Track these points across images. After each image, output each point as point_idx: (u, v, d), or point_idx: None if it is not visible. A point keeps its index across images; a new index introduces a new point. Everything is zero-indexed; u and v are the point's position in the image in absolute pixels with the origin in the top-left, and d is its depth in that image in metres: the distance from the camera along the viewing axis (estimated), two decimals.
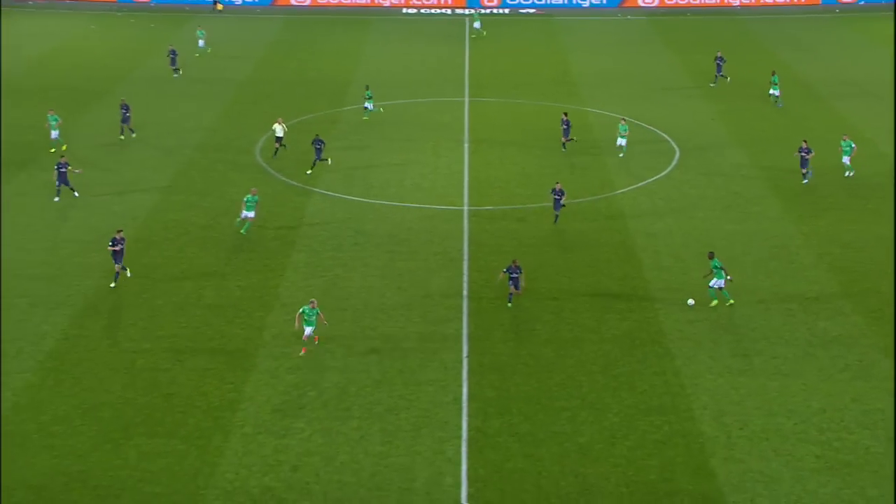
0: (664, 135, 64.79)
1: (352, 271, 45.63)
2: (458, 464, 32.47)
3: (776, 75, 71.27)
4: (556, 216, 50.38)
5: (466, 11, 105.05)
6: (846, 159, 56.39)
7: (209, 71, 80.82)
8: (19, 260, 46.63)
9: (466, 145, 63.10)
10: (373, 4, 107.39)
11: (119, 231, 44.09)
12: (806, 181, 55.28)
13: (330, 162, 57.41)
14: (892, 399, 35.81)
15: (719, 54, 76.57)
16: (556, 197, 50.05)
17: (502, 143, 63.22)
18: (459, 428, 34.31)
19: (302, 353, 38.22)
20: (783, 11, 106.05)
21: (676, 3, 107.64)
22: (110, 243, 43.70)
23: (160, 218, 51.67)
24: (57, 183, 53.08)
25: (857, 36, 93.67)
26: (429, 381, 37.17)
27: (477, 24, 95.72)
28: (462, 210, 52.56)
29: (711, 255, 42.70)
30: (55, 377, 37.39)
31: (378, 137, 64.20)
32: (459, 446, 33.32)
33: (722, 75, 76.11)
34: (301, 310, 38.44)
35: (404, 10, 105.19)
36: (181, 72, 78.27)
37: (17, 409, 35.22)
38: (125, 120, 63.69)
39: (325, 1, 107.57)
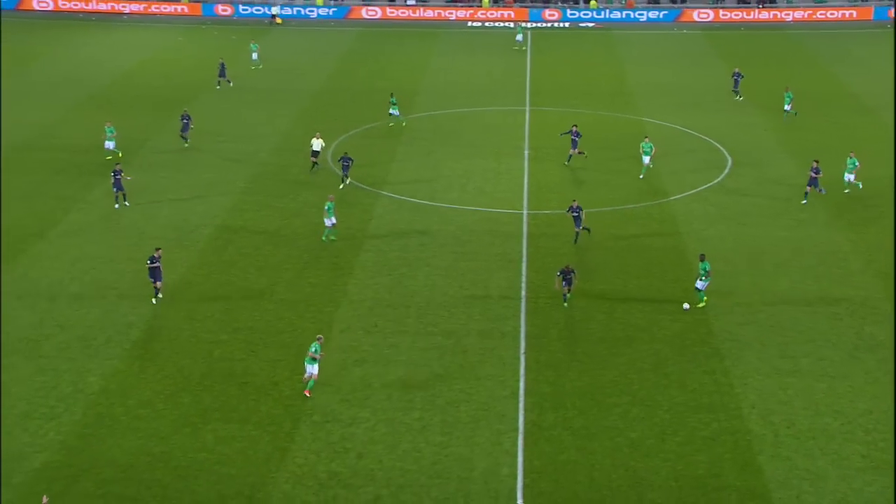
0: (717, 144, 64.30)
1: (416, 270, 45.82)
2: (515, 455, 32.57)
3: (790, 91, 69.87)
4: (577, 234, 48.56)
5: (529, 24, 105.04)
6: (850, 176, 54.78)
7: (284, 81, 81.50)
8: (107, 256, 47.39)
9: (526, 152, 63.08)
10: (440, 18, 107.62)
11: (157, 249, 42.62)
12: (805, 202, 53.38)
13: (349, 182, 55.93)
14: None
15: (737, 70, 75.94)
16: (574, 214, 48.34)
17: (561, 150, 63.01)
18: (516, 421, 34.41)
19: (307, 395, 35.75)
20: (836, 27, 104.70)
21: (731, 17, 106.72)
22: (149, 261, 42.15)
23: (237, 218, 52.19)
24: (114, 189, 52.99)
25: None
26: (487, 375, 37.28)
27: (519, 37, 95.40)
28: (521, 214, 52.57)
29: (702, 258, 42.34)
30: (140, 364, 38.01)
31: (443, 144, 64.37)
32: (516, 438, 33.42)
33: (736, 91, 75.41)
34: (312, 347, 36.13)
35: (469, 24, 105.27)
36: (231, 83, 78.26)
37: (107, 393, 35.90)
38: (185, 129, 63.89)
39: (394, 14, 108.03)
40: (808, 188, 53.37)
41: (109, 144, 60.44)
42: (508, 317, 41.74)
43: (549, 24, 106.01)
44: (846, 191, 54.57)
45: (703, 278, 41.90)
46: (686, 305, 41.66)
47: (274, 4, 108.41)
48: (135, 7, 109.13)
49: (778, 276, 45.43)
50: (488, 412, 34.94)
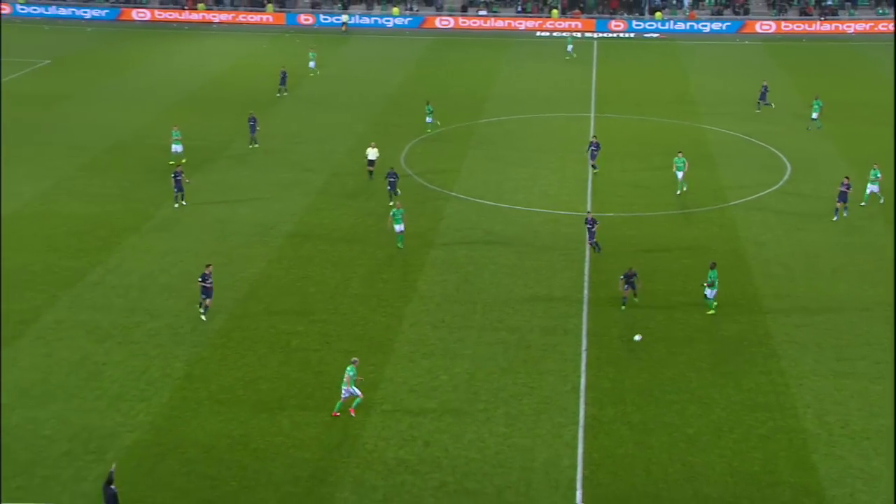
0: (777, 152, 63.44)
1: (483, 268, 45.79)
2: (575, 447, 32.46)
3: (819, 100, 68.58)
4: (596, 245, 47.09)
5: (595, 35, 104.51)
6: (874, 188, 53.14)
7: (360, 86, 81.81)
8: (193, 250, 48.04)
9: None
10: (509, 28, 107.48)
11: (208, 266, 41.07)
12: (836, 218, 51.13)
13: (399, 193, 53.26)
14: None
15: (765, 83, 74.46)
16: (589, 227, 47.11)
17: (623, 155, 62.69)
18: (577, 415, 34.28)
19: (352, 414, 34.03)
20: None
21: (792, 29, 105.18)
22: (200, 279, 40.70)
23: (314, 216, 52.59)
24: (175, 190, 53.18)
25: None
26: (550, 370, 37.17)
27: (569, 48, 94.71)
28: (584, 216, 52.19)
29: (713, 266, 41.39)
30: (222, 352, 38.49)
31: (510, 148, 64.26)
32: (576, 431, 33.30)
33: (766, 103, 73.27)
34: (351, 371, 34.11)
35: (538, 34, 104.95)
36: (287, 93, 77.77)
37: (191, 378, 36.42)
38: (252, 131, 64.33)
39: (466, 24, 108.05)
40: (838, 203, 51.19)
41: (177, 148, 60.18)
42: (571, 315, 41.57)
43: (614, 35, 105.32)
44: (862, 204, 52.92)
45: (712, 286, 41.01)
46: (637, 337, 38.91)
47: (349, 14, 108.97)
48: (224, 17, 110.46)
49: (835, 281, 44.71)
50: (550, 405, 34.84)
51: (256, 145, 64.12)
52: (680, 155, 55.49)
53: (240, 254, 47.57)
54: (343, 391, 33.65)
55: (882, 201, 53.03)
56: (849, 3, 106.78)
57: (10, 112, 71.97)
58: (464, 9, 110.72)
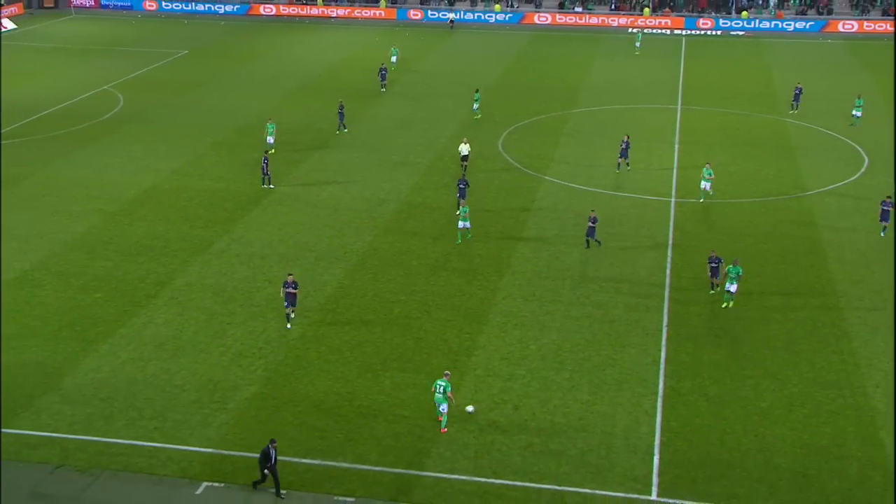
0: (855, 145, 61.50)
1: (572, 247, 45.41)
2: (654, 416, 32.09)
3: (861, 98, 65.86)
4: (598, 242, 45.16)
5: (684, 32, 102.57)
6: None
7: (463, 76, 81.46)
8: (308, 223, 48.57)
9: (677, 146, 61.62)
10: (603, 24, 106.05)
11: (290, 275, 38.01)
12: (883, 234, 46.81)
13: (465, 204, 47.74)
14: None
15: (799, 85, 70.92)
16: (591, 224, 44.96)
17: (708, 145, 61.47)
18: (656, 386, 33.88)
19: (443, 432, 31.34)
20: None
21: (874, 29, 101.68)
22: (283, 285, 37.55)
23: (418, 195, 52.69)
24: (263, 174, 53.14)
25: None
26: (632, 344, 36.76)
27: (638, 43, 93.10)
28: (670, 201, 51.47)
29: (736, 262, 39.62)
30: (332, 317, 38.89)
31: (601, 136, 63.47)
32: (655, 401, 32.92)
33: (797, 104, 69.27)
34: (435, 385, 31.49)
35: (630, 30, 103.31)
36: (385, 90, 75.90)
37: (304, 339, 36.89)
38: (341, 118, 64.14)
39: (562, 21, 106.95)
40: (883, 223, 46.62)
41: (270, 140, 59.01)
42: (653, 293, 40.99)
43: (702, 32, 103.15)
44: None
45: (734, 281, 39.21)
46: (470, 408, 32.08)
47: (454, 11, 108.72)
48: (341, 12, 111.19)
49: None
50: (631, 376, 34.48)
51: (346, 130, 64.07)
52: (708, 166, 51.68)
53: (351, 227, 47.92)
54: (442, 407, 31.22)
55: None
56: None
57: (153, 97, 73.87)
58: (561, 6, 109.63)
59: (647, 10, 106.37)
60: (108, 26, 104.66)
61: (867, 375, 34.57)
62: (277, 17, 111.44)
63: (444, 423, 31.22)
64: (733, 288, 39.23)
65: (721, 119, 68.25)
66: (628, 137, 56.86)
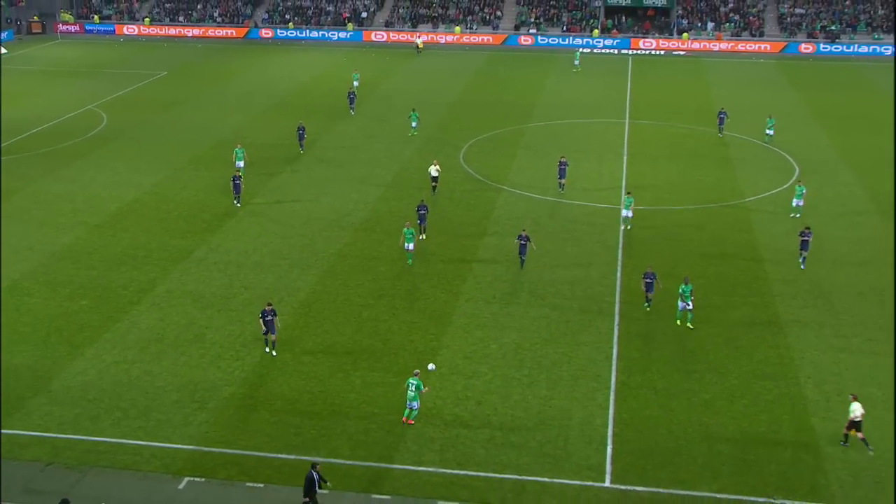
0: (786, 155, 62.24)
1: (529, 253, 45.40)
2: (607, 409, 32.24)
3: (772, 118, 65.41)
4: (522, 261, 43.40)
5: (632, 52, 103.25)
6: (798, 201, 50.00)
7: (426, 94, 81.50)
8: (281, 233, 48.30)
9: (625, 157, 62.02)
10: (556, 44, 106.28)
11: (269, 304, 35.77)
12: (803, 265, 43.73)
13: (424, 238, 46.99)
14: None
15: (723, 109, 68.20)
16: (522, 242, 43.13)
17: (654, 157, 61.94)
18: (609, 381, 34.04)
19: (404, 421, 31.38)
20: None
21: (801, 49, 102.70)
22: (262, 314, 35.34)
23: (384, 205, 52.56)
24: (234, 192, 51.66)
25: None
26: (586, 342, 36.90)
27: (577, 62, 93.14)
28: (619, 209, 51.68)
29: (686, 280, 38.17)
30: (305, 321, 38.68)
31: (554, 148, 63.59)
32: (608, 395, 33.07)
33: (722, 128, 67.01)
34: (407, 383, 31.48)
35: (581, 50, 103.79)
36: (354, 112, 74.10)
37: (279, 342, 36.53)
38: (301, 139, 62.46)
39: (526, 42, 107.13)
40: (802, 253, 43.75)
41: (239, 164, 56.10)
42: (605, 294, 41.19)
43: (647, 52, 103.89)
44: (792, 215, 50.31)
45: (688, 299, 37.65)
46: (431, 366, 32.93)
47: (418, 36, 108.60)
48: (313, 34, 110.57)
49: (835, 269, 43.85)
50: (586, 372, 34.61)
51: (302, 151, 62.20)
52: (628, 195, 48.75)
53: (321, 236, 47.70)
54: (412, 404, 31.15)
55: (798, 215, 50.19)
56: (849, 29, 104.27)
57: (135, 115, 73.09)
58: (516, 28, 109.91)
59: (595, 31, 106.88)
60: (92, 50, 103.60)
61: (800, 367, 34.98)
62: (260, 39, 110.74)
63: (412, 416, 31.09)
64: (690, 305, 37.95)
65: (665, 132, 68.80)
66: (565, 158, 55.08)
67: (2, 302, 39.97)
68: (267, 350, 35.80)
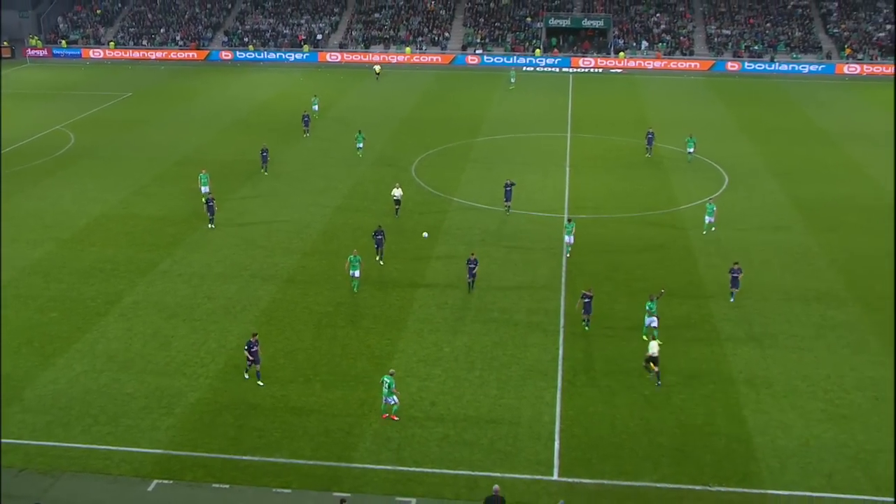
0: (717, 165, 63.12)
1: (480, 260, 45.46)
2: (554, 406, 32.33)
3: (692, 137, 64.26)
4: (470, 284, 41.72)
5: (572, 70, 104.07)
6: (709, 218, 48.84)
7: (379, 110, 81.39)
8: (242, 245, 47.85)
9: (567, 169, 62.39)
10: (501, 63, 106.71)
11: (254, 335, 33.92)
12: (733, 300, 40.99)
13: (382, 263, 45.06)
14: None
15: (651, 130, 66.83)
16: (471, 266, 41.51)
17: (594, 168, 62.43)
18: (555, 380, 34.14)
19: (393, 419, 31.26)
20: (811, 77, 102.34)
21: (728, 67, 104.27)
22: (247, 345, 33.52)
23: (340, 217, 52.34)
24: (208, 215, 50.02)
25: (860, 97, 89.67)
26: (533, 344, 36.99)
27: (512, 80, 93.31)
28: (563, 217, 52.01)
29: (651, 297, 37.20)
30: (266, 328, 38.27)
31: (501, 161, 63.98)
32: (555, 394, 33.16)
33: (650, 148, 65.24)
34: (382, 380, 31.54)
35: (524, 69, 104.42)
36: (309, 134, 71.23)
37: (241, 350, 36.01)
38: (264, 161, 60.54)
39: (472, 62, 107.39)
40: (732, 290, 41.01)
41: (205, 189, 53.83)
42: (551, 298, 41.33)
43: (586, 70, 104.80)
44: (704, 232, 49.26)
45: (654, 314, 36.76)
46: (425, 234, 37.62)
47: (377, 64, 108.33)
48: (270, 55, 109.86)
49: (763, 271, 44.49)
50: (533, 372, 34.69)
51: (266, 173, 60.24)
52: (569, 221, 47.14)
53: (281, 248, 47.34)
54: (388, 399, 31.05)
55: (713, 230, 49.37)
56: (771, 49, 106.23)
57: (102, 135, 72.06)
58: (463, 48, 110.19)
59: (538, 50, 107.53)
60: (60, 73, 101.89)
61: (732, 363, 35.39)
62: (221, 61, 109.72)
63: (393, 410, 31.08)
64: (655, 322, 36.72)
65: (605, 144, 69.39)
66: (511, 180, 53.34)
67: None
68: (247, 377, 33.74)
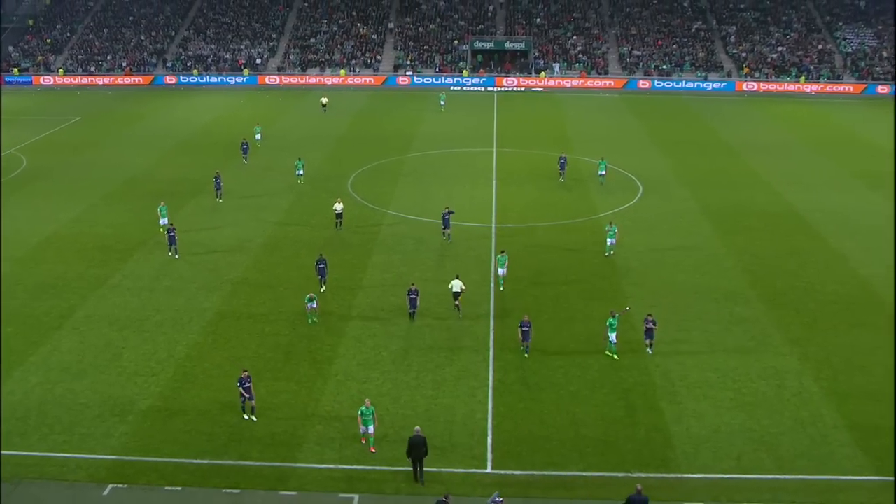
0: (632, 176, 64.15)
1: (413, 268, 45.55)
2: (486, 404, 32.39)
3: (604, 160, 63.19)
4: (412, 314, 39.47)
5: (496, 89, 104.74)
6: (611, 240, 46.91)
7: (316, 128, 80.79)
8: (189, 260, 47.00)
9: (494, 181, 62.75)
10: (430, 83, 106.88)
11: (244, 371, 31.76)
12: (650, 351, 36.45)
13: (324, 290, 42.45)
14: None
15: (563, 155, 64.02)
16: (412, 297, 39.33)
17: (519, 180, 62.86)
18: (487, 379, 34.21)
19: (372, 451, 29.38)
20: (714, 94, 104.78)
21: (639, 85, 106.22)
22: (239, 382, 31.33)
23: (281, 231, 51.83)
24: (168, 244, 47.32)
25: (758, 112, 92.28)
26: (466, 346, 37.04)
27: (442, 102, 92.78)
28: (490, 227, 52.34)
29: (612, 314, 36.16)
30: (213, 338, 37.69)
31: (432, 175, 64.08)
32: (487, 392, 33.23)
33: (563, 173, 62.44)
34: (360, 411, 29.50)
35: (451, 88, 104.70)
36: (247, 161, 67.75)
37: (190, 358, 35.59)
38: (218, 187, 57.85)
39: (404, 82, 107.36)
40: (647, 341, 36.58)
41: (163, 221, 50.38)
42: (481, 302, 41.45)
43: (509, 89, 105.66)
44: (606, 254, 47.28)
45: (615, 330, 35.66)
46: (324, 99, 35.23)
47: (323, 95, 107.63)
48: (212, 79, 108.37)
49: (676, 272, 45.30)
50: (466, 373, 34.72)
51: (220, 200, 57.46)
52: (503, 253, 43.30)
53: (225, 261, 46.65)
54: (364, 429, 29.37)
55: (612, 253, 47.41)
56: (677, 68, 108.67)
57: (52, 157, 70.37)
58: (394, 69, 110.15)
59: (465, 71, 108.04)
60: (11, 99, 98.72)
61: (649, 359, 35.86)
62: (165, 85, 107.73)
63: (371, 442, 29.24)
64: (614, 337, 35.75)
65: (528, 158, 69.96)
66: (449, 208, 50.60)
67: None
68: (246, 417, 31.23)
